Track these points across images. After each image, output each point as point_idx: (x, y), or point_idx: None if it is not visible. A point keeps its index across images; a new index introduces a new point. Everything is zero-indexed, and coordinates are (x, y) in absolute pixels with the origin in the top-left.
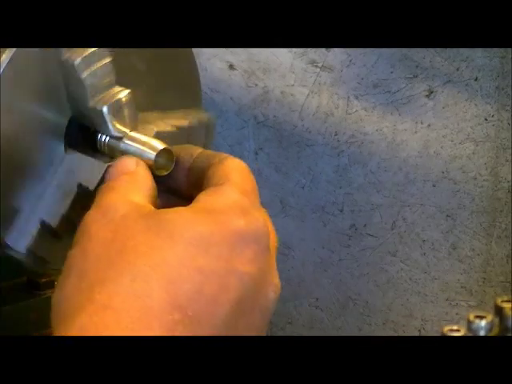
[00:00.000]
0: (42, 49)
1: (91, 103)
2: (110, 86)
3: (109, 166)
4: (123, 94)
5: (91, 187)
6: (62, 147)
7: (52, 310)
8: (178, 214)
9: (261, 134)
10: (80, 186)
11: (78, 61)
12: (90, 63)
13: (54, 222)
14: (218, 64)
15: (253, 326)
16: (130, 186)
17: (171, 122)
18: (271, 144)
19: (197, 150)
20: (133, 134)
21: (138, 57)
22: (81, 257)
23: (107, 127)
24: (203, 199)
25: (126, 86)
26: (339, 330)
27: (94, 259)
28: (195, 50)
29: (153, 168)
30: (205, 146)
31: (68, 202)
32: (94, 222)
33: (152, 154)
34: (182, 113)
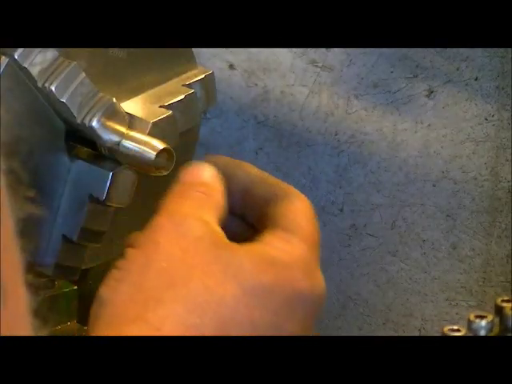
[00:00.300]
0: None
1: (79, 120)
2: (94, 96)
3: (115, 173)
4: (110, 97)
5: (101, 197)
6: (65, 156)
7: (98, 306)
8: (247, 256)
9: (261, 134)
10: (91, 196)
11: (55, 86)
12: (68, 85)
13: (74, 235)
14: (217, 64)
15: None
16: (206, 202)
17: (165, 101)
18: (271, 144)
19: (253, 171)
20: (131, 133)
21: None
22: (143, 265)
23: (101, 138)
24: (273, 245)
25: (109, 79)
26: (339, 330)
27: (156, 273)
28: (195, 50)
29: (152, 168)
30: (209, 103)
31: (83, 213)
32: (165, 232)
33: (152, 154)
34: (175, 83)
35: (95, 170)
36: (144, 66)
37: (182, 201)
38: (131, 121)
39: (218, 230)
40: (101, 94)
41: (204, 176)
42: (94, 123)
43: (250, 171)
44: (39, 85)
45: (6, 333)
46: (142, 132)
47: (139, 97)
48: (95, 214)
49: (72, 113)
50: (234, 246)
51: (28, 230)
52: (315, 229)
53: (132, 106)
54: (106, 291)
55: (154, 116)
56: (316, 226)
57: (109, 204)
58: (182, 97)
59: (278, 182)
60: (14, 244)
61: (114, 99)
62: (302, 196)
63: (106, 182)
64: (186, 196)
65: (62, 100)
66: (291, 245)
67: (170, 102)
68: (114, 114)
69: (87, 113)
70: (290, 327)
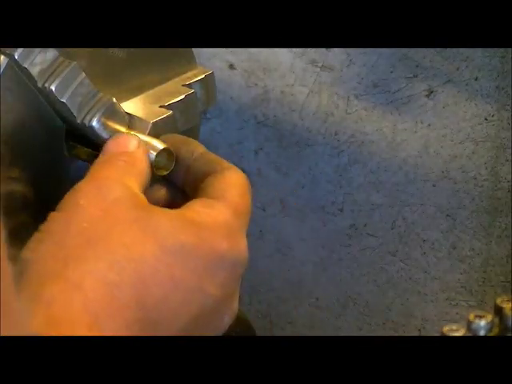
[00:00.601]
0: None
1: (79, 120)
2: (94, 96)
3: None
4: (110, 97)
5: None
6: (65, 156)
7: (20, 266)
8: (167, 217)
9: (261, 134)
10: None
11: (55, 86)
12: (68, 85)
13: None
14: (217, 64)
15: None
16: (128, 169)
17: (165, 101)
18: (271, 144)
19: (198, 149)
20: (131, 133)
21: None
22: (64, 225)
23: (101, 138)
24: (195, 209)
25: (109, 79)
26: (339, 330)
27: (77, 232)
28: (195, 50)
29: (153, 168)
30: (208, 103)
31: None
32: (85, 194)
33: (152, 154)
34: (175, 82)
35: None
36: (144, 66)
37: (104, 167)
38: (131, 121)
39: (139, 193)
40: (101, 94)
41: (128, 146)
42: (94, 123)
43: (194, 149)
44: (39, 85)
45: None
46: (142, 132)
47: (139, 97)
48: None
49: (72, 113)
50: (154, 207)
51: (10, 206)
52: (245, 200)
53: (132, 105)
54: (26, 253)
55: (154, 116)
56: (247, 198)
57: None
58: (182, 97)
59: (219, 160)
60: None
61: (114, 99)
62: (240, 172)
63: None
64: (109, 163)
65: (62, 100)
66: (213, 209)
67: (170, 102)
68: (113, 113)
69: (87, 113)
70: (212, 289)
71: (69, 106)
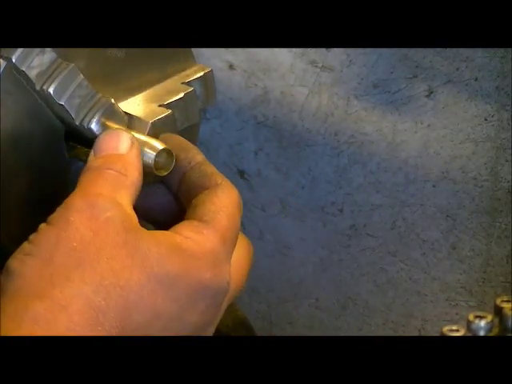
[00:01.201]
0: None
1: (78, 122)
2: (92, 97)
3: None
4: (109, 98)
5: None
6: (65, 156)
7: (5, 278)
8: (155, 243)
9: (261, 134)
10: None
11: (53, 89)
12: (66, 87)
13: None
14: (217, 64)
15: None
16: (120, 181)
17: (164, 100)
18: (271, 144)
19: (197, 157)
20: (123, 130)
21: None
22: (53, 241)
23: None
24: (184, 233)
25: (107, 79)
26: (339, 330)
27: (66, 251)
28: (195, 50)
29: (153, 168)
30: (208, 101)
31: None
32: (77, 211)
33: (152, 154)
34: (175, 81)
35: None
36: (143, 64)
37: (96, 179)
38: (130, 121)
39: (131, 212)
40: (99, 95)
41: (121, 148)
42: (93, 125)
43: (193, 157)
44: (37, 87)
45: None
46: (142, 132)
47: (138, 96)
48: None
49: (71, 115)
50: (144, 231)
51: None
52: (233, 223)
53: (131, 105)
54: (13, 263)
55: (153, 115)
56: (236, 221)
57: None
58: (182, 95)
59: (215, 173)
60: None
61: (113, 100)
62: (233, 190)
63: None
64: (101, 174)
65: (60, 103)
66: (202, 236)
67: (170, 101)
68: (112, 114)
69: (86, 114)
70: (192, 317)
71: (67, 108)
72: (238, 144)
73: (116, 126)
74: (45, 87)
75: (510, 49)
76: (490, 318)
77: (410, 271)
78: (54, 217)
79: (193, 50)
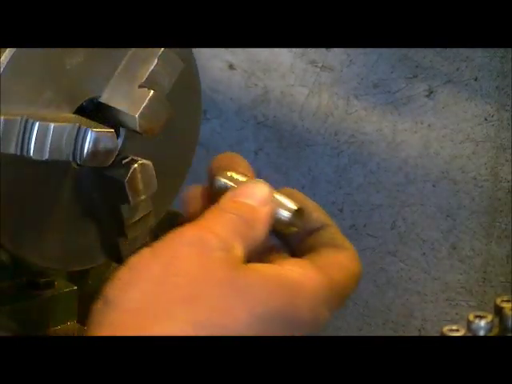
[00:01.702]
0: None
1: (71, 158)
2: (71, 132)
3: (127, 181)
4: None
5: (129, 203)
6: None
7: (103, 305)
8: (260, 280)
9: (261, 134)
10: (120, 202)
11: (32, 152)
12: (42, 144)
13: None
14: (218, 64)
15: None
16: (243, 230)
17: (142, 72)
18: (271, 144)
19: (327, 221)
20: (263, 183)
21: (101, 59)
22: (157, 274)
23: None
24: (288, 266)
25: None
26: (339, 330)
27: (171, 287)
28: (195, 50)
29: (285, 226)
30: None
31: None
32: (188, 244)
33: (284, 213)
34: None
35: (108, 179)
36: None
37: (219, 219)
38: (118, 115)
39: (239, 254)
40: (77, 126)
41: (255, 196)
42: (85, 157)
43: (324, 220)
44: (18, 154)
45: None
46: (133, 126)
47: (115, 77)
48: (135, 209)
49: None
50: (250, 268)
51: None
52: (343, 277)
53: (112, 92)
54: (114, 291)
55: (137, 103)
56: (347, 278)
57: (139, 199)
58: (155, 61)
59: (345, 239)
60: None
61: (91, 129)
62: (357, 262)
63: (125, 190)
64: (226, 216)
65: (45, 159)
66: (308, 270)
67: (147, 74)
68: (99, 140)
69: (74, 149)
70: None
71: (55, 158)
72: (238, 144)
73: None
74: (25, 154)
75: (509, 49)
76: (490, 317)
77: (409, 271)
78: (161, 246)
79: (193, 50)
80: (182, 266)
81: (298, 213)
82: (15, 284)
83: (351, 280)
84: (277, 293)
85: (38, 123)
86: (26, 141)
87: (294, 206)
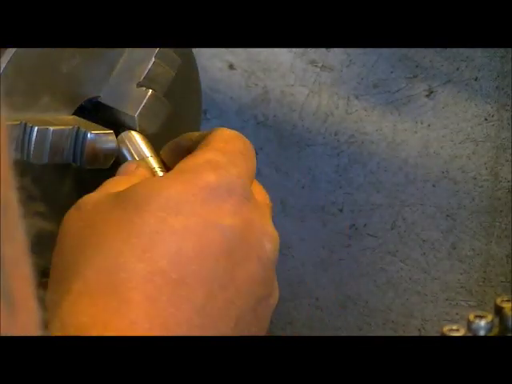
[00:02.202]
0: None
1: (78, 164)
2: (67, 136)
3: None
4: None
5: None
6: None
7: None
8: (142, 185)
9: (261, 134)
10: None
11: (32, 157)
12: (42, 148)
13: None
14: (217, 64)
15: (254, 277)
16: (109, 183)
17: (139, 71)
18: (271, 144)
19: (195, 134)
20: (149, 159)
21: (98, 60)
22: (58, 254)
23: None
24: (178, 165)
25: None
26: (339, 330)
27: (69, 252)
28: (195, 50)
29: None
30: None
31: None
32: (68, 217)
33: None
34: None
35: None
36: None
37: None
38: (118, 116)
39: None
40: (75, 129)
41: (126, 168)
42: (84, 160)
43: (192, 136)
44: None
45: None
46: (133, 126)
47: (113, 76)
48: None
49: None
50: (132, 185)
51: (39, 244)
52: (233, 140)
53: (110, 92)
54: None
55: (136, 102)
56: (235, 140)
57: None
58: (153, 59)
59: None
60: (26, 257)
61: (90, 132)
62: (229, 130)
63: None
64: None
65: (44, 163)
66: (194, 156)
67: (145, 73)
68: (98, 141)
69: (74, 152)
70: (221, 220)
71: (55, 162)
72: None
73: (106, 145)
74: (25, 158)
75: (510, 49)
76: (490, 317)
77: (410, 271)
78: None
79: (193, 50)
80: (67, 235)
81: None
82: None
83: (236, 139)
84: (167, 182)
85: (36, 128)
86: (26, 145)
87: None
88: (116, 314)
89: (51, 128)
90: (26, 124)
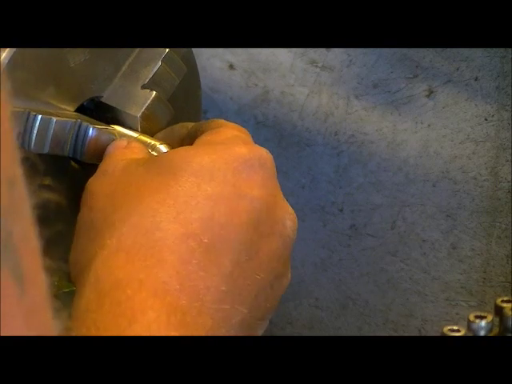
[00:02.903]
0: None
1: (71, 154)
2: (71, 128)
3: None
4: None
5: None
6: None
7: (70, 269)
8: (175, 152)
9: (261, 134)
10: None
11: (33, 146)
12: (44, 137)
13: None
14: (217, 64)
15: (276, 253)
16: (128, 151)
17: (144, 73)
18: (271, 144)
19: (190, 124)
20: (141, 137)
21: (105, 59)
22: (87, 213)
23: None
24: (201, 138)
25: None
26: (339, 330)
27: (100, 211)
28: (195, 50)
29: None
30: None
31: None
32: (95, 182)
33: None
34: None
35: None
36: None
37: (104, 159)
38: (120, 116)
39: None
40: (78, 122)
41: (120, 143)
42: (85, 151)
43: (187, 125)
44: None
45: (28, 320)
46: (134, 126)
47: (118, 78)
48: None
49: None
50: (162, 153)
51: (45, 217)
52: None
53: (114, 93)
54: (70, 257)
55: (139, 103)
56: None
57: None
58: (159, 63)
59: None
60: (34, 233)
61: (93, 125)
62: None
63: None
64: (107, 155)
65: (45, 152)
66: (220, 132)
67: (150, 76)
68: (100, 134)
69: (75, 145)
70: (250, 191)
71: (53, 153)
72: None
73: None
74: (25, 146)
75: (509, 49)
76: (490, 317)
77: (410, 271)
78: (80, 204)
79: (193, 50)
80: (95, 197)
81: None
82: None
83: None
84: (201, 151)
85: (40, 116)
86: (28, 133)
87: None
88: (150, 273)
89: (55, 118)
90: (29, 112)
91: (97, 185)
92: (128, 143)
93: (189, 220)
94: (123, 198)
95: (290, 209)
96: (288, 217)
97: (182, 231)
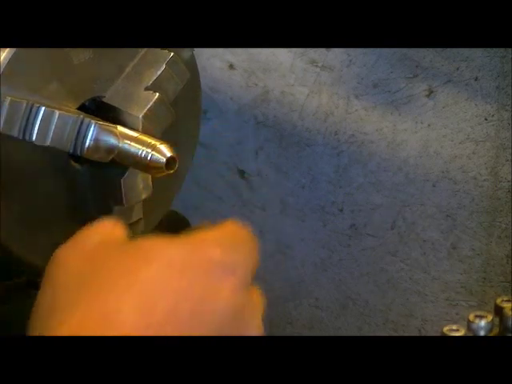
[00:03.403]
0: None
1: (72, 151)
2: (75, 123)
3: (124, 179)
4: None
5: (124, 203)
6: (72, 163)
7: (29, 331)
8: (153, 241)
9: (261, 134)
10: (114, 202)
11: (34, 137)
12: (46, 130)
13: None
14: (217, 64)
15: None
16: (108, 227)
17: (148, 75)
18: (271, 144)
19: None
20: (141, 137)
21: (108, 59)
22: (51, 286)
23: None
24: (192, 232)
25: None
26: (339, 330)
27: (65, 287)
28: (195, 50)
29: (161, 170)
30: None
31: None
32: (64, 253)
33: (162, 159)
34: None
35: (105, 178)
36: (113, 53)
37: (82, 230)
38: (122, 116)
39: (122, 235)
40: (81, 118)
41: (104, 226)
42: (86, 148)
43: None
44: (20, 137)
45: None
46: (136, 127)
47: (121, 78)
48: (126, 213)
49: (63, 149)
50: (140, 238)
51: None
52: (239, 232)
53: (117, 94)
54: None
55: (142, 104)
56: (241, 232)
57: (133, 201)
58: (163, 66)
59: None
60: None
61: (96, 122)
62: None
63: (117, 188)
64: (85, 228)
65: (47, 145)
66: (200, 231)
67: (154, 78)
68: (102, 133)
69: (76, 141)
70: (217, 295)
71: (55, 147)
72: (238, 144)
73: (109, 139)
74: (27, 137)
75: (509, 49)
76: (490, 317)
77: (410, 271)
78: (45, 273)
79: (193, 50)
80: (63, 271)
81: (172, 159)
82: (14, 284)
83: (242, 231)
84: (178, 245)
85: (43, 108)
86: (30, 125)
87: (168, 154)
88: None
89: (58, 111)
90: (33, 104)
91: (66, 257)
92: (111, 222)
93: (152, 310)
94: (92, 278)
95: (258, 321)
96: (253, 329)
97: (143, 320)
